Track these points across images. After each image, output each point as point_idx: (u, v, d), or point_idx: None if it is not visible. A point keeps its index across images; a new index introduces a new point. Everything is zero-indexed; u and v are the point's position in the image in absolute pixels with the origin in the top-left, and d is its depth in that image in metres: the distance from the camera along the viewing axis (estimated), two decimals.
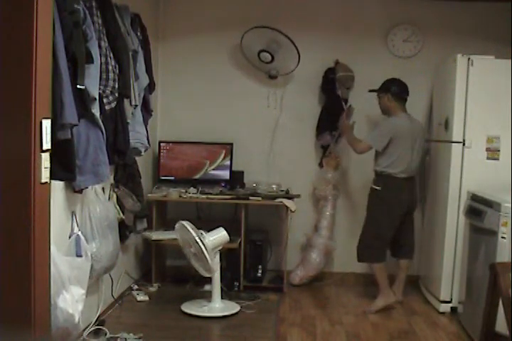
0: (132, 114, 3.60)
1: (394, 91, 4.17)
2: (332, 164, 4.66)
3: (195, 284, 4.40)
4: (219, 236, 3.82)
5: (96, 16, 3.04)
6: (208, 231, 3.85)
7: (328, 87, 4.66)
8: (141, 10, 3.94)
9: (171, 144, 4.71)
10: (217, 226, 3.88)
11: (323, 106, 4.72)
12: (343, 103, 4.60)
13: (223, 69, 4.82)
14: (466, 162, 3.94)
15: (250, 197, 4.40)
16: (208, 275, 3.82)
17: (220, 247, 3.85)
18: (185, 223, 3.74)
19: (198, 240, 3.65)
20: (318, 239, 4.61)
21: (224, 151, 4.70)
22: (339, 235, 4.76)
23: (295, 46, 4.52)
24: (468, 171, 3.94)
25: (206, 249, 3.65)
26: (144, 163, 4.39)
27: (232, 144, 4.71)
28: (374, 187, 4.16)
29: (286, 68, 4.66)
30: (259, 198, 4.40)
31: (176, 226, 3.79)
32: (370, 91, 4.30)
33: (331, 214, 4.67)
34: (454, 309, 4.01)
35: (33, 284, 2.15)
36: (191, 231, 3.67)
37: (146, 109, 3.93)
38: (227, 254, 4.25)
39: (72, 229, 3.07)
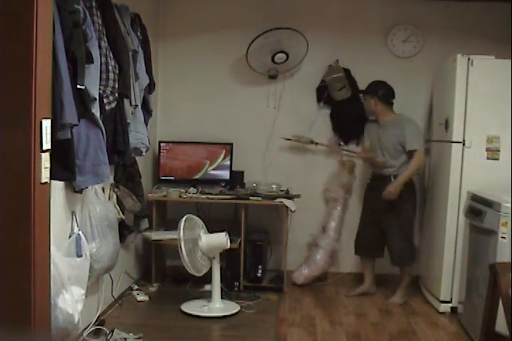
0: (133, 114, 3.60)
1: (380, 95, 4.21)
2: (347, 167, 4.68)
3: (195, 284, 4.40)
4: (216, 239, 3.81)
5: (96, 16, 3.04)
6: (211, 233, 3.85)
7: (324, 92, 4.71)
8: (141, 10, 3.94)
9: (171, 144, 4.71)
10: (221, 230, 3.87)
11: (331, 112, 4.76)
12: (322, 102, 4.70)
13: (223, 69, 4.81)
14: (466, 162, 3.94)
15: (250, 197, 4.40)
16: (193, 273, 3.77)
17: (219, 250, 3.85)
18: (186, 220, 3.72)
19: (182, 238, 3.64)
20: (324, 239, 4.61)
21: (224, 151, 4.70)
22: (341, 236, 4.75)
23: (300, 33, 4.52)
24: (468, 171, 3.94)
25: (184, 248, 3.63)
26: (144, 163, 4.39)
27: (232, 144, 4.70)
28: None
29: (298, 57, 4.63)
30: (259, 198, 4.39)
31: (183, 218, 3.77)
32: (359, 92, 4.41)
33: (340, 216, 4.66)
34: (454, 309, 4.00)
35: (33, 284, 2.14)
36: (181, 229, 3.65)
37: (146, 109, 3.93)
38: (227, 254, 4.25)
39: (72, 229, 3.07)
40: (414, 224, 4.35)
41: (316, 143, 4.72)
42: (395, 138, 4.15)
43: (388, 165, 4.20)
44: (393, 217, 4.17)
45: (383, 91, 4.21)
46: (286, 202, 4.37)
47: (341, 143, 4.73)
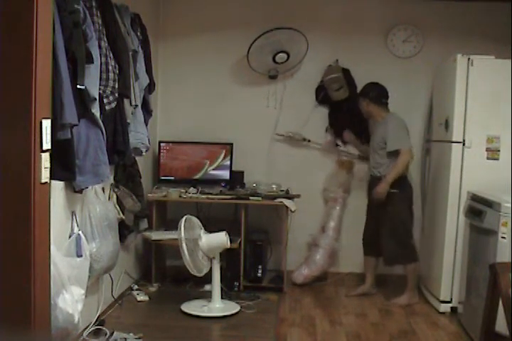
0: (133, 114, 3.60)
1: (371, 96, 4.21)
2: (346, 167, 4.68)
3: (195, 284, 4.40)
4: (216, 239, 3.81)
5: (96, 16, 3.04)
6: (211, 232, 3.85)
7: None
8: (141, 10, 3.94)
9: (170, 144, 4.71)
10: (221, 230, 3.87)
11: (329, 112, 4.76)
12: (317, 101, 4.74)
13: (223, 69, 4.82)
14: (466, 162, 3.94)
15: (250, 197, 4.40)
16: (195, 273, 3.77)
17: (219, 250, 3.85)
18: (185, 220, 3.72)
19: (183, 239, 3.64)
20: (324, 239, 4.61)
21: (224, 151, 4.70)
22: (340, 235, 4.75)
23: (300, 33, 4.53)
24: (468, 171, 3.94)
25: (187, 248, 3.64)
26: (144, 163, 4.39)
27: (232, 144, 4.70)
28: (391, 190, 4.10)
29: (299, 57, 4.64)
30: (259, 198, 4.39)
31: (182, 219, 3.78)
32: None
33: (339, 215, 4.67)
34: (454, 309, 4.00)
35: (33, 284, 2.15)
36: (181, 229, 3.66)
37: (146, 109, 3.93)
38: (227, 254, 4.25)
39: (72, 229, 3.07)
40: (412, 224, 4.32)
41: (309, 141, 4.73)
42: (381, 138, 4.17)
43: (377, 165, 4.21)
44: (386, 217, 4.17)
45: (374, 93, 4.23)
46: (286, 202, 4.37)
47: (339, 144, 4.74)
